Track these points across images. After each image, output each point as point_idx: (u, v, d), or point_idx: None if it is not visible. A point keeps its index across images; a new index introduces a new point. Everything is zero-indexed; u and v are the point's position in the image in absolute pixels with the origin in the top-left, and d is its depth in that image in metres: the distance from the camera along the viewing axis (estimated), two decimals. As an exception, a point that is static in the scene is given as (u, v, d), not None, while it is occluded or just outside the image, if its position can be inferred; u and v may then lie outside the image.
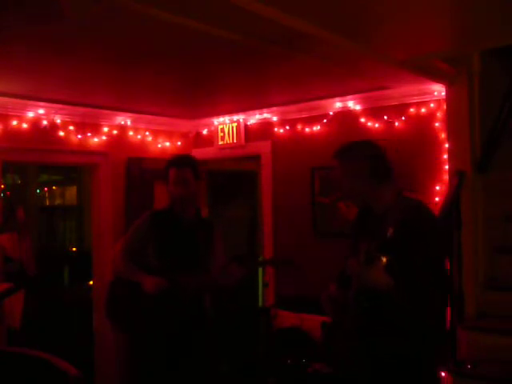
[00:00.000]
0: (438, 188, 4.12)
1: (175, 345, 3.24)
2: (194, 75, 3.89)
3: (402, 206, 2.32)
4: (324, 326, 2.68)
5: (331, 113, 4.74)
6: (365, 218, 2.58)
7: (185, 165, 3.31)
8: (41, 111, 4.52)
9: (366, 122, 4.55)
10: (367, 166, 2.44)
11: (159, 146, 5.52)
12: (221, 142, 5.48)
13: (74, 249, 8.30)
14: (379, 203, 2.47)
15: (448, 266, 3.54)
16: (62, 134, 4.72)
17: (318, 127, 4.83)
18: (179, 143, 5.68)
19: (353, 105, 4.61)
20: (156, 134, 5.49)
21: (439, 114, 4.15)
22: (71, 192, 8.98)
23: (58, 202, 9.22)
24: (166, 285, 3.15)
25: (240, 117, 5.32)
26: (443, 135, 4.09)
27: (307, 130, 4.91)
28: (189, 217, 3.36)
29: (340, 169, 2.50)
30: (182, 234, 3.33)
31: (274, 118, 5.12)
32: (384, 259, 2.10)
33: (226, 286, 3.35)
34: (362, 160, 2.46)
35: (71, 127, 4.78)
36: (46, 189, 9.11)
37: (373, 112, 4.52)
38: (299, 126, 4.97)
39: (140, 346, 3.33)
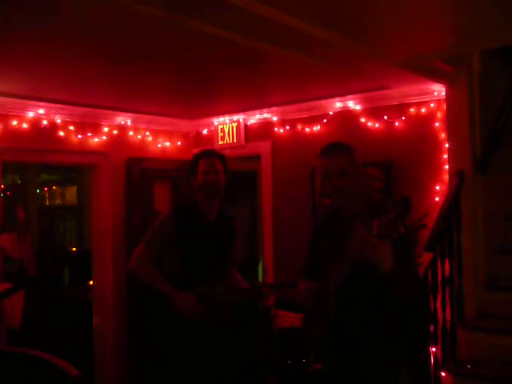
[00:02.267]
0: (438, 188, 4.12)
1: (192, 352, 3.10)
2: (193, 75, 3.88)
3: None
4: (304, 320, 2.68)
5: (331, 113, 4.74)
6: (332, 220, 2.54)
7: (214, 155, 3.21)
8: (41, 111, 4.52)
9: (366, 122, 4.55)
10: (358, 162, 2.43)
11: (159, 145, 5.52)
12: (221, 142, 5.48)
13: (74, 249, 8.30)
14: (352, 204, 2.41)
15: (447, 268, 3.56)
16: (62, 133, 4.71)
17: (318, 127, 4.83)
18: (179, 143, 5.68)
19: (353, 105, 4.61)
20: (156, 133, 5.49)
21: (439, 114, 4.15)
22: (71, 192, 8.98)
23: (57, 202, 9.22)
24: (198, 304, 3.01)
25: (240, 117, 5.32)
26: (443, 135, 4.09)
27: (307, 130, 4.91)
28: (212, 214, 3.20)
29: (341, 164, 2.38)
30: (206, 236, 3.16)
31: (274, 118, 5.12)
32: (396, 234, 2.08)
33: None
34: (355, 155, 2.45)
35: (71, 127, 4.77)
36: (46, 189, 9.11)
37: (373, 112, 4.51)
38: (299, 126, 4.96)
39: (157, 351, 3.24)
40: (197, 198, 3.21)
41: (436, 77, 3.85)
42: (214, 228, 3.19)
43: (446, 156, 4.02)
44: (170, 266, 3.13)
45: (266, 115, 5.16)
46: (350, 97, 4.58)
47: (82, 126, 4.85)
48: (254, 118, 5.26)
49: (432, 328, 3.44)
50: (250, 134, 5.32)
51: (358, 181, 2.43)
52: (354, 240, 2.18)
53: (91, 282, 5.45)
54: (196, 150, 5.60)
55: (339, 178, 2.36)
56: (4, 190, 4.62)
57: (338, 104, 4.68)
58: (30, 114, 4.49)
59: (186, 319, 3.00)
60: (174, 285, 3.06)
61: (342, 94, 4.56)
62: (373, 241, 2.09)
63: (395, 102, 4.38)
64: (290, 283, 3.52)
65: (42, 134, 4.59)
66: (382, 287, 2.24)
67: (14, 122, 4.41)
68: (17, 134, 4.44)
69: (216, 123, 5.52)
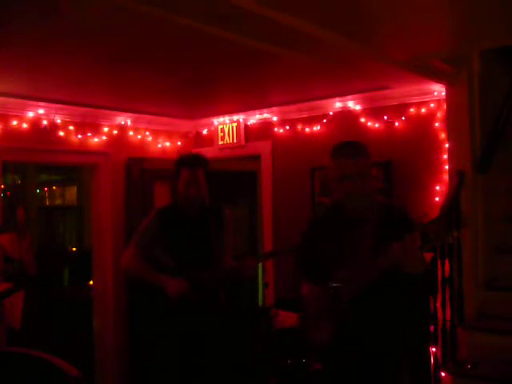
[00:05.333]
0: (438, 188, 4.12)
1: (189, 344, 3.23)
2: (194, 75, 3.88)
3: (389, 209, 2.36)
4: (302, 318, 2.64)
5: (331, 113, 4.74)
6: (332, 221, 2.54)
7: (197, 165, 3.28)
8: (41, 111, 4.52)
9: (365, 122, 4.55)
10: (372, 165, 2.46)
11: (159, 146, 5.52)
12: (221, 142, 5.48)
13: (74, 249, 8.30)
14: (364, 207, 2.42)
15: (447, 268, 3.56)
16: (61, 133, 4.72)
17: (318, 127, 4.83)
18: (179, 143, 5.68)
19: (353, 105, 4.61)
20: (156, 133, 5.49)
21: (439, 114, 4.15)
22: (71, 192, 8.97)
23: (57, 201, 9.22)
24: (188, 286, 3.14)
25: (240, 117, 5.32)
26: (443, 135, 4.09)
27: (307, 129, 4.91)
28: (194, 209, 3.33)
29: (359, 166, 2.36)
30: (191, 228, 3.31)
31: (274, 118, 5.12)
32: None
33: (242, 277, 3.36)
34: (370, 158, 2.46)
35: (71, 127, 4.77)
36: (46, 189, 9.11)
37: (373, 112, 4.51)
38: (299, 126, 4.96)
39: (155, 345, 3.34)
40: (177, 198, 3.37)
41: (436, 77, 3.85)
42: (198, 220, 3.33)
43: (445, 156, 4.02)
44: (161, 262, 3.27)
45: (266, 115, 5.16)
46: (350, 97, 4.58)
47: (81, 126, 4.85)
48: (254, 118, 5.26)
49: (432, 328, 3.44)
50: (249, 133, 5.32)
51: (369, 183, 2.44)
52: (395, 248, 2.20)
53: (91, 282, 5.45)
54: (196, 151, 5.64)
55: (356, 181, 2.34)
56: (4, 190, 4.61)
57: (337, 104, 4.68)
58: (30, 114, 4.49)
59: (178, 301, 3.14)
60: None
61: (342, 94, 4.56)
62: (413, 252, 2.18)
63: (395, 102, 4.38)
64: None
65: (42, 134, 4.59)
66: (412, 290, 2.32)
67: (14, 122, 4.41)
68: (17, 134, 4.44)
69: (216, 123, 5.52)
